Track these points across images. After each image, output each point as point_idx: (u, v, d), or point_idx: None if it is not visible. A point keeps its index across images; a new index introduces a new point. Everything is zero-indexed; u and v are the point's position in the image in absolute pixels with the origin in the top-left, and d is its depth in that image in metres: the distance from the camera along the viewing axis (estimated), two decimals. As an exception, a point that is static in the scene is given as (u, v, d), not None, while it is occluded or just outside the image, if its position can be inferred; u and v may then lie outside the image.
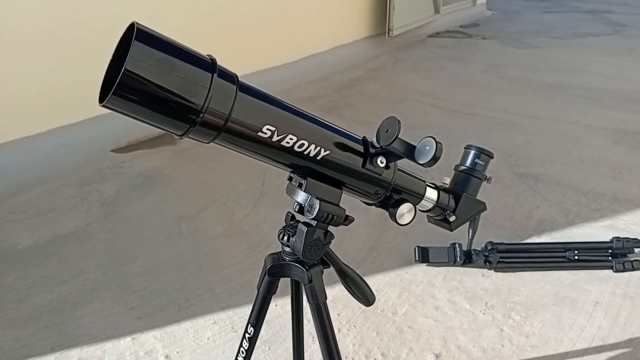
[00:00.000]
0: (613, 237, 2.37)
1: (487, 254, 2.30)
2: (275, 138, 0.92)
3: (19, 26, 3.01)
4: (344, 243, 2.43)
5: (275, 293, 1.17)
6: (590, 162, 3.36)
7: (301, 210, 1.03)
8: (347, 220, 1.06)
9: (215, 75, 0.84)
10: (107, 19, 3.32)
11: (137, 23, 0.79)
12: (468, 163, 1.23)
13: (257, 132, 0.90)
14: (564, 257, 2.32)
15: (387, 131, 0.99)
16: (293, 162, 0.98)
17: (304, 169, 1.00)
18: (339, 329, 1.96)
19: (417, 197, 1.14)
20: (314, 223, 1.02)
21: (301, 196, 1.02)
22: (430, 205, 1.17)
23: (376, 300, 1.22)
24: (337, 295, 2.05)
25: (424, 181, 1.16)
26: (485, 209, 1.25)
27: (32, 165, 3.10)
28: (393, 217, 1.08)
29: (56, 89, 3.23)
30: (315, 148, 0.96)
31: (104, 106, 0.80)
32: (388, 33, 5.93)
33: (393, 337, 1.93)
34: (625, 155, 3.47)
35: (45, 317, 2.01)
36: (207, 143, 0.91)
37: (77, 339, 1.91)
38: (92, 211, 2.75)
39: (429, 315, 2.05)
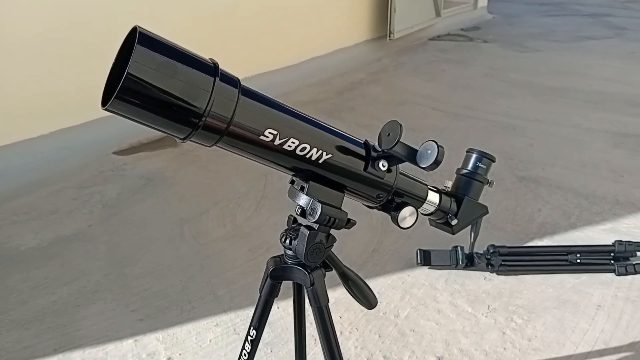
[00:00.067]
0: (615, 241, 2.37)
1: (489, 257, 2.30)
2: (277, 142, 0.92)
3: (21, 28, 3.03)
4: (346, 246, 2.43)
5: (277, 296, 1.18)
6: (591, 165, 3.36)
7: (303, 213, 1.03)
8: (349, 223, 1.06)
9: (217, 79, 0.84)
10: (109, 21, 3.33)
11: (139, 27, 0.79)
12: (470, 167, 1.23)
13: (259, 136, 0.91)
14: (566, 260, 2.32)
15: (388, 135, 1.00)
16: (295, 166, 0.98)
17: (306, 172, 1.00)
18: (341, 332, 1.96)
19: (419, 200, 1.14)
20: (316, 226, 1.02)
21: (303, 199, 1.02)
22: (432, 209, 1.17)
23: (378, 303, 1.22)
24: (339, 297, 2.06)
25: (426, 184, 1.16)
26: (487, 212, 1.25)
27: (34, 167, 3.11)
28: (395, 220, 1.09)
29: (58, 91, 3.24)
30: (317, 152, 0.96)
31: (106, 109, 0.80)
32: (389, 36, 5.93)
33: (395, 340, 1.93)
34: (626, 158, 3.47)
35: (47, 319, 2.01)
36: (209, 146, 0.91)
37: (79, 340, 1.91)
38: (94, 213, 2.75)
39: (431, 318, 2.05)
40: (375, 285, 2.21)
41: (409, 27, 6.25)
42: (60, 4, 3.18)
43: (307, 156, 0.96)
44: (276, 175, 2.93)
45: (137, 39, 0.77)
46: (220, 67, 0.87)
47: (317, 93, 4.74)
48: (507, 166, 3.32)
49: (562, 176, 3.21)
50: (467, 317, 2.05)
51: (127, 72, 0.75)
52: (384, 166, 1.03)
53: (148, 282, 2.23)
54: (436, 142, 0.96)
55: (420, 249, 2.34)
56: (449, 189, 1.23)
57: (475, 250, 2.30)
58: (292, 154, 0.95)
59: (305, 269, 1.08)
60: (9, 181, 2.97)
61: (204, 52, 0.88)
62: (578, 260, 2.31)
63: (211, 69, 0.85)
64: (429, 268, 2.33)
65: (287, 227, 1.11)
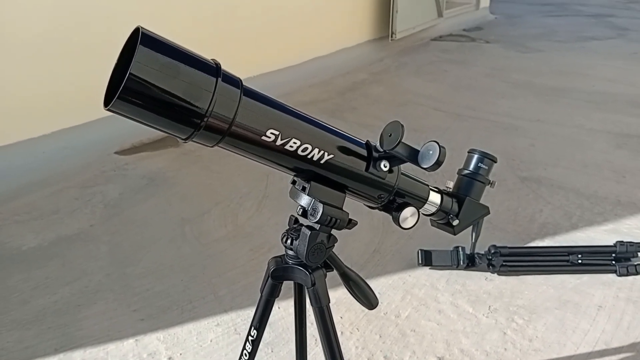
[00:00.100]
0: (617, 241, 2.37)
1: (490, 257, 2.30)
2: (279, 142, 0.92)
3: (21, 28, 3.03)
4: (347, 246, 2.43)
5: (278, 296, 1.18)
6: (593, 166, 3.36)
7: (304, 213, 1.03)
8: (350, 223, 1.07)
9: (219, 79, 0.84)
10: (109, 21, 3.34)
11: (142, 27, 0.79)
12: (471, 167, 1.23)
13: (261, 136, 0.91)
14: (567, 260, 2.32)
15: (390, 135, 1.00)
16: (296, 166, 0.98)
17: (308, 172, 1.00)
18: (342, 332, 1.96)
19: (420, 201, 1.14)
20: (317, 226, 1.02)
21: (305, 200, 1.02)
22: (433, 209, 1.18)
23: (379, 303, 1.23)
24: (340, 298, 2.06)
25: (427, 185, 1.16)
26: (488, 212, 1.25)
27: (35, 167, 3.11)
28: (396, 220, 1.09)
29: (58, 91, 3.25)
30: (319, 152, 0.97)
31: (108, 110, 0.80)
32: (391, 36, 5.93)
33: (396, 340, 1.93)
34: (628, 158, 3.47)
35: (48, 319, 2.02)
36: (211, 147, 0.91)
37: (80, 340, 1.92)
38: (95, 213, 2.76)
39: (432, 318, 2.05)
40: (376, 285, 2.21)
41: (411, 27, 6.25)
42: (60, 4, 3.19)
43: (309, 156, 0.96)
44: (278, 175, 2.92)
45: (139, 39, 0.77)
46: (222, 67, 0.87)
47: (319, 93, 4.74)
48: (508, 167, 3.32)
49: (564, 177, 3.21)
50: (468, 318, 2.05)
51: (130, 73, 0.76)
52: (385, 167, 1.03)
53: (149, 282, 2.23)
54: (438, 143, 0.96)
55: (421, 249, 2.34)
56: (451, 190, 1.23)
57: (476, 250, 2.30)
58: (293, 154, 0.95)
59: (306, 269, 1.08)
60: (10, 181, 2.98)
61: (205, 53, 0.88)
62: (579, 261, 2.30)
63: (213, 69, 0.85)
64: (430, 268, 2.33)
65: (288, 227, 1.11)
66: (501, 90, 4.91)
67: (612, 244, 2.38)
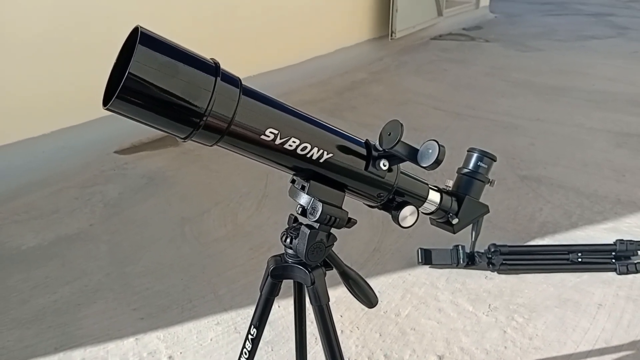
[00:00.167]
0: (616, 240, 2.37)
1: (490, 256, 2.30)
2: (278, 141, 0.92)
3: (21, 28, 3.03)
4: (346, 245, 2.43)
5: (278, 295, 1.18)
6: (593, 165, 3.36)
7: (304, 212, 1.03)
8: (349, 222, 1.07)
9: (218, 78, 0.84)
10: (109, 21, 3.33)
11: (141, 27, 0.79)
12: (471, 166, 1.23)
13: (260, 135, 0.91)
14: (567, 259, 2.32)
15: (389, 134, 1.00)
16: (296, 165, 0.98)
17: (307, 171, 1.00)
18: (341, 331, 1.96)
19: (419, 199, 1.14)
20: (316, 225, 1.02)
21: (304, 199, 1.02)
22: (433, 208, 1.18)
23: (379, 302, 1.23)
24: (339, 296, 2.06)
25: (427, 184, 1.16)
26: (488, 211, 1.26)
27: (35, 167, 3.11)
28: (396, 219, 1.09)
29: (58, 91, 3.25)
30: (318, 151, 0.97)
31: (107, 109, 0.80)
32: (391, 36, 5.93)
33: (396, 339, 1.93)
34: (628, 157, 3.47)
35: (48, 318, 2.02)
36: (211, 146, 0.91)
37: (80, 339, 1.92)
38: (95, 212, 2.76)
39: (432, 317, 2.05)
40: (376, 284, 2.21)
41: (411, 26, 6.24)
42: (60, 4, 3.19)
43: (308, 155, 0.96)
44: (277, 174, 2.92)
45: (138, 38, 0.77)
46: (221, 66, 0.87)
47: (318, 92, 4.74)
48: (508, 165, 3.32)
49: (564, 175, 3.21)
50: (468, 316, 2.05)
51: (129, 72, 0.76)
52: (384, 165, 1.04)
53: (149, 281, 2.23)
54: (437, 142, 0.96)
55: (421, 248, 2.34)
56: (450, 188, 1.23)
57: (476, 249, 2.30)
58: (293, 153, 0.95)
59: (305, 268, 1.08)
60: (10, 181, 2.98)
61: (204, 52, 0.88)
62: (579, 259, 2.31)
63: (212, 68, 0.85)
64: (430, 267, 2.33)
65: (287, 226, 1.11)
66: (501, 89, 4.91)
67: (612, 242, 2.38)
